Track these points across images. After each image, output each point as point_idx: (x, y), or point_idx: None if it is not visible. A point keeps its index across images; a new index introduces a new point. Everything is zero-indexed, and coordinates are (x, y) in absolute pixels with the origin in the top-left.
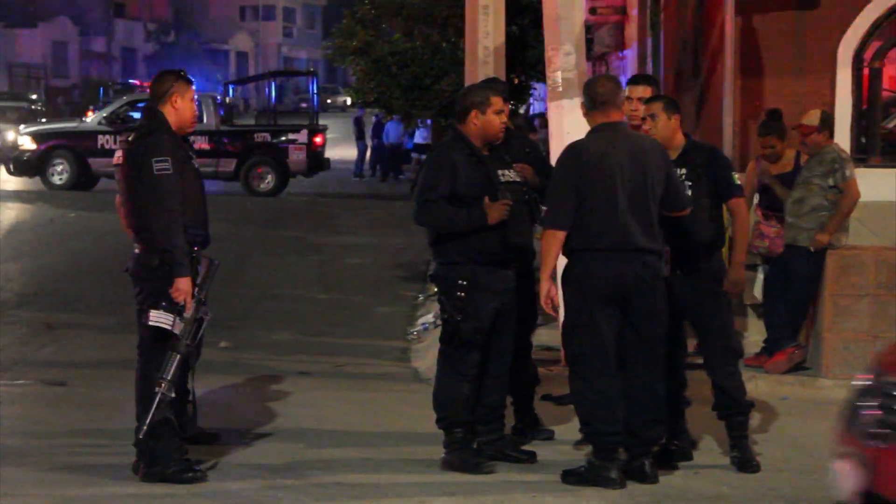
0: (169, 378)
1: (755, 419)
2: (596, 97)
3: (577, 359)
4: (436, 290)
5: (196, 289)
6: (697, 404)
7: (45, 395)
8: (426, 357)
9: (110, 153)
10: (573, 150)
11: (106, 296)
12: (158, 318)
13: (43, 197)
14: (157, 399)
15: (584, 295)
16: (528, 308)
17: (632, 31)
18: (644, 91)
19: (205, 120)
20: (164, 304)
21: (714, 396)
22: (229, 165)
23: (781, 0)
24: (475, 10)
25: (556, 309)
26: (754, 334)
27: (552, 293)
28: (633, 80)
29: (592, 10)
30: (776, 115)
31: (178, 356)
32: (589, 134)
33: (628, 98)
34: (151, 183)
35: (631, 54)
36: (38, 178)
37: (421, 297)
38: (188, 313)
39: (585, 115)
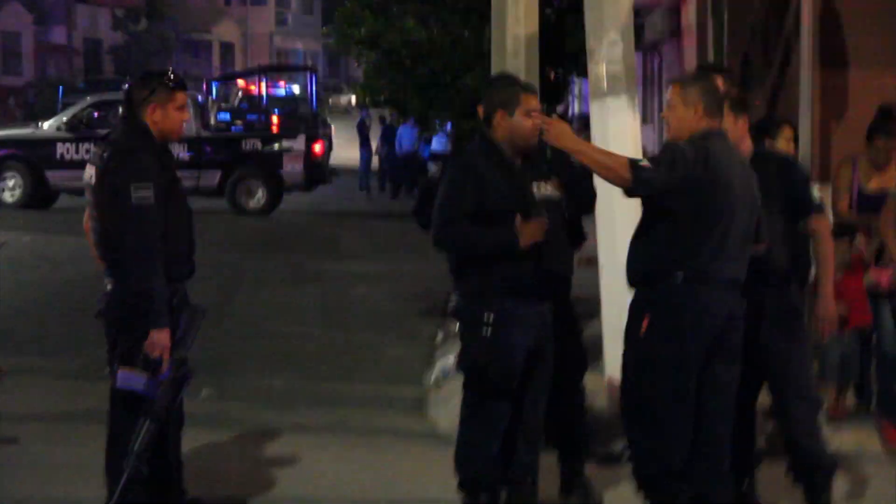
0: (141, 451)
1: (841, 480)
2: (714, 100)
3: (648, 402)
4: (458, 327)
5: (177, 343)
6: (769, 462)
7: None
8: (446, 408)
9: (72, 165)
10: (699, 150)
11: (66, 335)
12: (128, 380)
13: None
14: (125, 477)
15: (684, 332)
16: (574, 349)
17: (689, 15)
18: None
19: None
20: (137, 359)
21: (789, 455)
22: (213, 178)
23: None
24: None
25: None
26: None
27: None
28: (703, 71)
29: None
30: (893, 113)
31: (152, 424)
32: (699, 140)
33: None
34: (128, 213)
35: (689, 43)
36: None
37: (440, 336)
38: (164, 372)
39: (695, 120)
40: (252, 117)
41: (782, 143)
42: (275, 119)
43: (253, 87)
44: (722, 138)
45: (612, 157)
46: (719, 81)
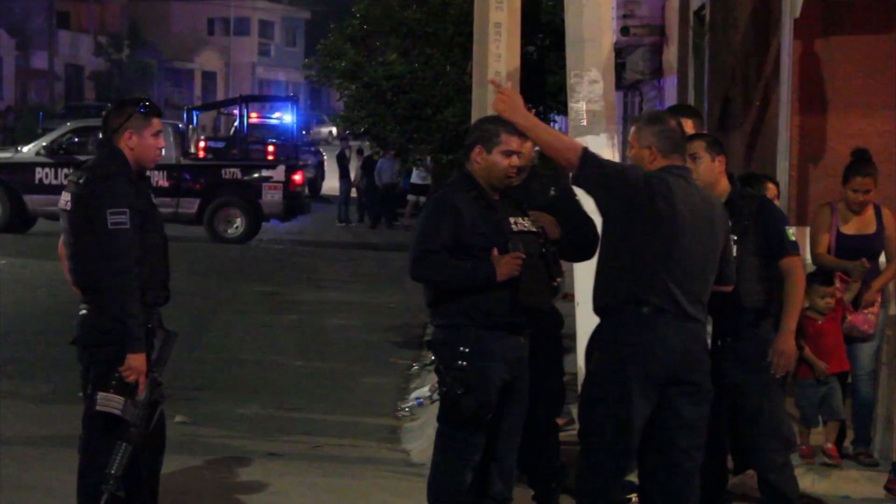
0: (117, 473)
1: None
2: (669, 139)
3: (591, 435)
4: (433, 358)
5: (152, 366)
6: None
7: None
8: (420, 438)
9: (50, 189)
10: (652, 177)
11: (41, 359)
12: (107, 402)
13: None
14: (104, 500)
15: (622, 364)
16: (552, 381)
17: (671, 55)
18: (684, 125)
19: (163, 152)
20: (113, 383)
21: (760, 492)
22: (191, 206)
23: (850, 22)
24: (485, 28)
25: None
26: None
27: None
28: (674, 112)
29: (624, 31)
30: (866, 155)
31: (128, 447)
32: (662, 172)
33: None
34: (104, 238)
35: (669, 83)
36: None
37: (415, 367)
38: (141, 395)
39: (652, 162)
40: (255, 146)
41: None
42: (270, 148)
43: (254, 115)
44: (679, 175)
45: (565, 140)
46: (688, 124)
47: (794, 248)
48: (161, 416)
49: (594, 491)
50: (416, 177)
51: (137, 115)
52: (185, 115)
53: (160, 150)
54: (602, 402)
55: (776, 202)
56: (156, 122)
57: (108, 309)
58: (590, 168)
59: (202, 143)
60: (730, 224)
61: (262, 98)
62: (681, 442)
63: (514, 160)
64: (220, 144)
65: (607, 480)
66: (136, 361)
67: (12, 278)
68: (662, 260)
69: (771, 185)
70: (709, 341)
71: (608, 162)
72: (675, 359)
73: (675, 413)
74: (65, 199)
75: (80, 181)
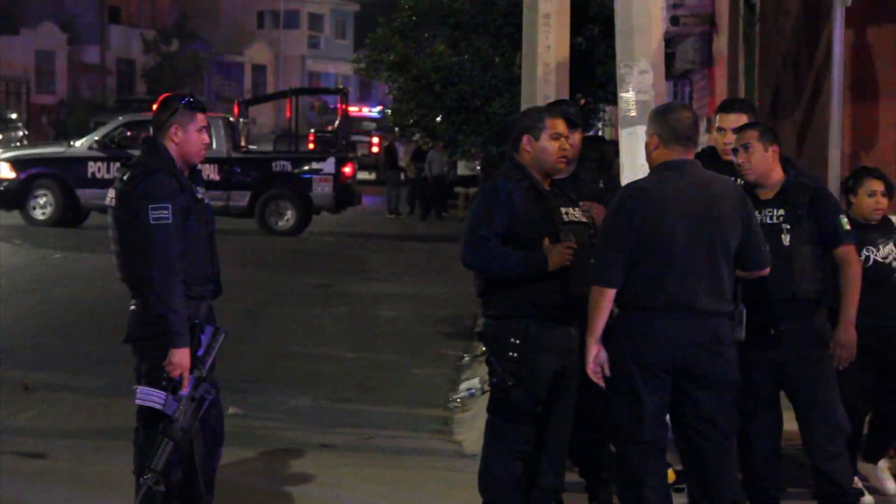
0: (158, 469)
1: None
2: (668, 133)
3: (614, 431)
4: (484, 349)
5: (197, 362)
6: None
7: (20, 469)
8: (472, 429)
9: (103, 183)
10: (628, 191)
11: (95, 352)
12: (148, 395)
13: (23, 234)
14: (143, 492)
15: (624, 358)
16: None
17: (721, 44)
18: (738, 120)
19: (214, 146)
20: (164, 376)
21: (815, 483)
22: (242, 199)
23: None
24: (535, 18)
25: (605, 378)
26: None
27: (602, 358)
28: (725, 107)
29: (674, 20)
30: None
31: (171, 443)
32: (652, 174)
33: (718, 129)
34: (146, 233)
35: (720, 72)
36: (17, 212)
37: (466, 358)
38: (184, 391)
39: (654, 150)
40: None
41: (863, 199)
42: (375, 140)
43: (353, 108)
44: (669, 170)
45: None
46: (741, 118)
47: (848, 237)
48: (219, 410)
49: (627, 483)
50: (463, 168)
51: (182, 110)
52: (234, 108)
53: (205, 145)
54: (614, 396)
55: (878, 200)
56: (200, 117)
57: (152, 303)
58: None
59: (311, 136)
60: (783, 211)
61: (312, 90)
62: (706, 433)
63: (564, 143)
64: (330, 136)
65: (636, 473)
66: (178, 357)
67: (68, 272)
68: (654, 257)
69: (874, 182)
70: (741, 332)
71: (608, 251)
72: (678, 352)
73: (695, 405)
74: (110, 195)
75: (124, 177)
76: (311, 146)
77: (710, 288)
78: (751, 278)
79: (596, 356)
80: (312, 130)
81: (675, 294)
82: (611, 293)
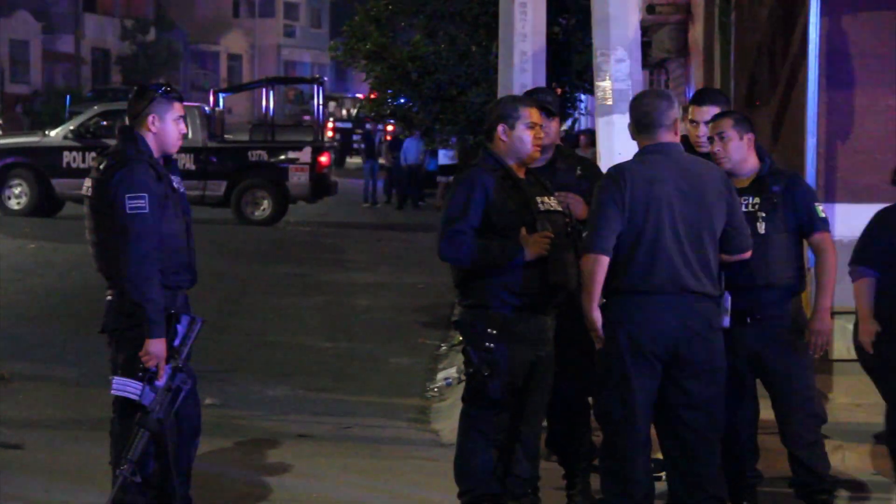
0: (135, 459)
1: (841, 499)
2: (641, 119)
3: (605, 423)
4: (461, 338)
5: (173, 353)
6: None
7: None
8: (449, 418)
9: (77, 173)
10: (617, 169)
11: (71, 343)
12: (124, 386)
13: None
14: (119, 482)
15: (617, 344)
16: (581, 360)
17: (697, 33)
18: (710, 112)
19: (190, 135)
20: (140, 366)
21: (791, 470)
22: (218, 188)
23: None
24: (511, 7)
25: (596, 371)
26: (840, 396)
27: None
28: (697, 100)
29: (650, 9)
30: None
31: (147, 433)
32: (634, 157)
33: (691, 121)
34: (123, 222)
35: (695, 61)
36: None
37: (443, 347)
38: (161, 382)
39: (633, 137)
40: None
41: None
42: (389, 128)
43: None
44: (653, 153)
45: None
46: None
47: (824, 224)
48: (196, 400)
49: (612, 472)
50: (443, 157)
51: (159, 99)
52: (210, 97)
53: (182, 134)
54: (606, 383)
55: None
56: (177, 106)
57: (128, 292)
58: (600, 243)
59: (330, 124)
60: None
61: (288, 80)
62: (693, 423)
63: (539, 132)
64: (348, 125)
65: (622, 461)
66: (154, 347)
67: (42, 262)
68: (645, 244)
69: None
70: (727, 319)
71: (601, 221)
72: (671, 335)
73: (683, 393)
74: (86, 184)
75: (101, 167)
76: (329, 133)
77: (698, 270)
78: (732, 261)
79: (597, 321)
80: (332, 119)
81: (665, 277)
82: (605, 260)
